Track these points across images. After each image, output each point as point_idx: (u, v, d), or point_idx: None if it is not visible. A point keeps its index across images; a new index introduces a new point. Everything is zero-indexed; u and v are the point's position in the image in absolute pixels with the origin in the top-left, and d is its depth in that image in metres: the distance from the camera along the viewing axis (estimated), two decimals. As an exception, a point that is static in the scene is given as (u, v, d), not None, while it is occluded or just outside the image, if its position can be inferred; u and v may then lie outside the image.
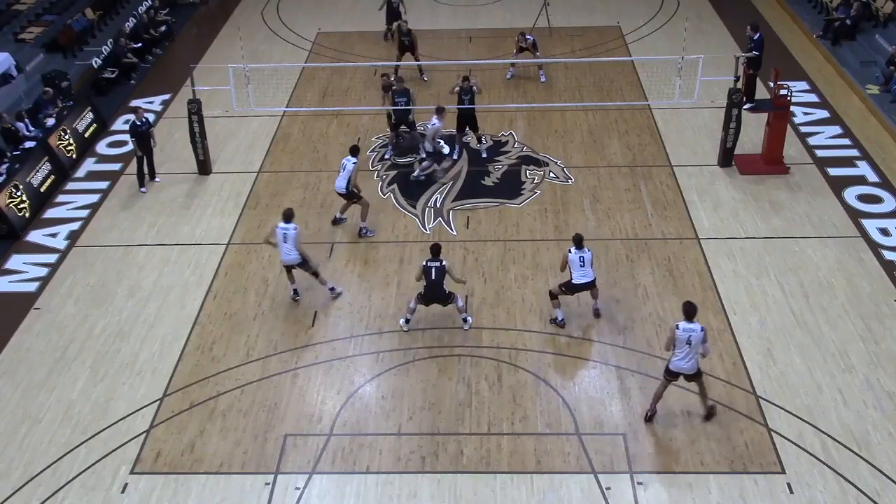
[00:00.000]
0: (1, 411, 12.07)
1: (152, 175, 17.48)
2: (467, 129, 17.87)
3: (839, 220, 15.62)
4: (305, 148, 18.60)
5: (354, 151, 15.38)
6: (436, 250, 12.99)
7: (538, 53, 21.15)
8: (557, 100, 20.20)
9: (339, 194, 15.47)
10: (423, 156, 17.47)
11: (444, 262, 12.87)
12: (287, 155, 18.38)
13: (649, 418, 11.51)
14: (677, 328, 10.90)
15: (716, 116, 17.82)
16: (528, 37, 20.91)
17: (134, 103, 20.79)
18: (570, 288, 13.04)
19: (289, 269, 13.80)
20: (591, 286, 13.05)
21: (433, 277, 12.83)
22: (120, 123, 20.02)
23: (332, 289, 14.02)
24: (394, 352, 12.91)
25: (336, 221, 15.77)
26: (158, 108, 20.56)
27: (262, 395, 12.17)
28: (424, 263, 12.92)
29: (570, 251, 12.86)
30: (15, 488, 10.85)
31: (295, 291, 13.99)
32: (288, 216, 13.55)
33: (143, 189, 17.21)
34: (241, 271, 14.79)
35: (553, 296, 13.22)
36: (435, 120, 17.02)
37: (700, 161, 17.54)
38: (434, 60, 21.83)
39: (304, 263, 13.72)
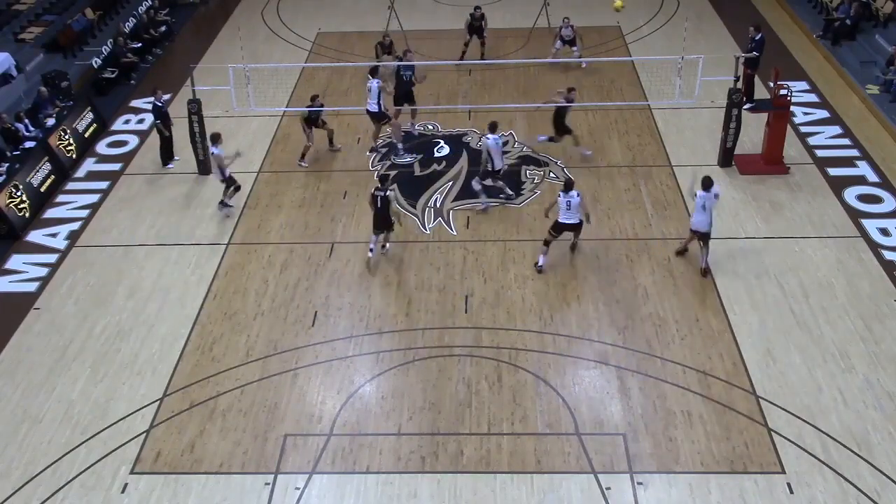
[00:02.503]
0: (1, 411, 12.07)
1: (171, 155, 18.04)
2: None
3: (839, 220, 15.62)
4: (305, 148, 18.59)
5: (374, 72, 17.08)
6: (383, 180, 14.69)
7: (575, 48, 21.55)
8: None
9: (371, 114, 16.88)
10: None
11: (388, 193, 14.33)
12: (287, 155, 18.37)
13: (681, 252, 14.62)
14: (696, 195, 13.81)
15: (716, 116, 17.81)
16: (571, 25, 21.39)
17: (134, 103, 20.88)
18: (556, 228, 14.32)
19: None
20: (573, 228, 14.34)
21: (379, 206, 14.28)
22: (120, 123, 20.04)
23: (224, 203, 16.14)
24: (394, 352, 12.91)
25: (398, 153, 17.43)
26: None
27: (262, 395, 12.17)
28: (372, 191, 14.41)
29: (559, 195, 14.15)
30: (15, 488, 10.85)
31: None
32: (214, 139, 15.86)
33: (170, 165, 18.00)
34: (241, 271, 14.79)
35: (546, 242, 14.46)
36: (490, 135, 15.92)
37: (700, 161, 17.52)
38: (434, 60, 21.83)
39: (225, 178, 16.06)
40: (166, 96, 18.09)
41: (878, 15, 22.07)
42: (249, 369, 12.64)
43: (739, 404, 11.73)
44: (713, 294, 13.84)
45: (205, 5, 27.76)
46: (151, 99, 17.85)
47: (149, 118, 19.21)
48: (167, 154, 17.98)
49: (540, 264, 14.41)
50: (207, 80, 18.52)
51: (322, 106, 17.65)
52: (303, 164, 17.80)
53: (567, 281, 14.26)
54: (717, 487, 10.56)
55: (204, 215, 16.33)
